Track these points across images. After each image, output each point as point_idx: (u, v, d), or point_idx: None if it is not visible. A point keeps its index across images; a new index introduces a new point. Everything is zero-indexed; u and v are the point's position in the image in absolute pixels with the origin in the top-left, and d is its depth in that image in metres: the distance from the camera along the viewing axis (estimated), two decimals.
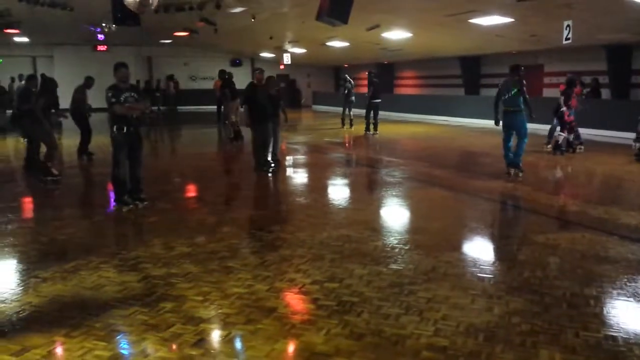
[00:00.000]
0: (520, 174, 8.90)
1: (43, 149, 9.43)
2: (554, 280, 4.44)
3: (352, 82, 18.20)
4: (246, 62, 29.87)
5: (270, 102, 9.79)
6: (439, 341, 3.39)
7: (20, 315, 3.82)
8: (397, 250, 5.27)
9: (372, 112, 16.14)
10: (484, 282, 4.42)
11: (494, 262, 4.97)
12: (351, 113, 18.01)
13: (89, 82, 11.67)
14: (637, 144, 10.71)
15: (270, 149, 9.93)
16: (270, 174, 9.57)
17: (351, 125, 17.90)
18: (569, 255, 5.09)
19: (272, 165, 9.84)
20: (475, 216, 6.78)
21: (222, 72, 14.68)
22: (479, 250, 5.59)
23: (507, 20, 13.36)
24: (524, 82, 8.87)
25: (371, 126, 16.29)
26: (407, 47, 20.14)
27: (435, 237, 5.67)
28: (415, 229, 6.04)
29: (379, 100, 16.18)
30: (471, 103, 20.81)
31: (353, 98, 17.96)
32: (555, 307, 3.90)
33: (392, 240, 5.61)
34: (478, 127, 18.19)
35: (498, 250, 5.49)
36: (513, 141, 9.02)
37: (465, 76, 22.06)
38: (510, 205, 7.49)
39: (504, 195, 8.01)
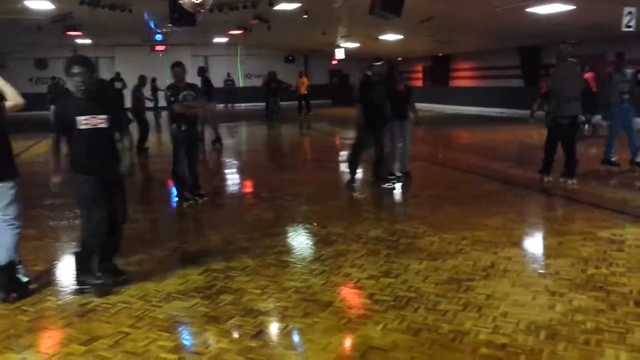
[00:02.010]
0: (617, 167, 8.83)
1: None
2: (620, 277, 4.28)
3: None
4: (299, 58, 30.05)
5: (393, 101, 8.00)
6: (498, 338, 3.33)
7: (88, 307, 4.00)
8: (453, 245, 5.20)
9: None
10: (546, 278, 4.30)
11: (556, 258, 4.81)
12: None
13: (142, 80, 12.25)
14: None
15: (395, 160, 8.41)
16: (389, 187, 8.14)
17: None
18: (636, 250, 4.89)
19: (393, 179, 8.29)
20: (535, 211, 6.60)
21: (201, 69, 14.35)
22: (540, 246, 5.46)
23: (567, 7, 12.87)
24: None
25: None
26: (462, 39, 19.75)
27: (493, 233, 5.56)
28: (472, 224, 5.92)
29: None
30: (531, 94, 20.21)
31: None
32: (622, 304, 3.76)
33: (449, 236, 5.52)
34: (537, 119, 17.62)
35: (560, 246, 5.30)
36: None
37: (525, 67, 21.36)
38: (572, 199, 7.24)
39: (563, 189, 7.74)
